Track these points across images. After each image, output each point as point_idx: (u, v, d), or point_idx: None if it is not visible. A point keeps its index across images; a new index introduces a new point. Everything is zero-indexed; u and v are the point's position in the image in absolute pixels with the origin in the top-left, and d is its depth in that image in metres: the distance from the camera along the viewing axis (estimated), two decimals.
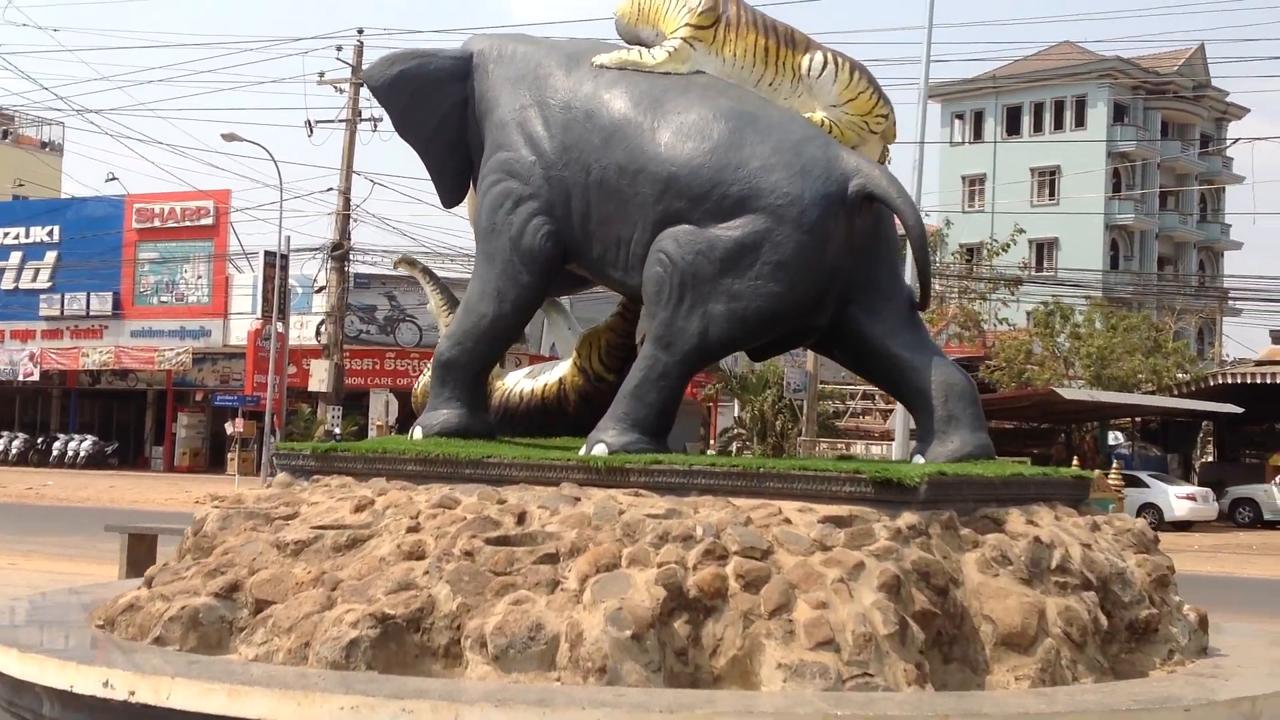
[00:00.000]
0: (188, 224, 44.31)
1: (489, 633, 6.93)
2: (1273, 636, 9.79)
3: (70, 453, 46.70)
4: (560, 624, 6.95)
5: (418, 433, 9.93)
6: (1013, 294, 44.89)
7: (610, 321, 10.36)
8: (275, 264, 39.31)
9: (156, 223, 44.71)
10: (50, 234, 46.46)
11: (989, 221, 58.30)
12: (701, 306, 8.78)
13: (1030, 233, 62.08)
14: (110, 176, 44.44)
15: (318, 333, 40.48)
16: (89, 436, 47.50)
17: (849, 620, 6.95)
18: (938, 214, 60.83)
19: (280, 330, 39.06)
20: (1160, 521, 36.04)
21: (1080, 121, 67.42)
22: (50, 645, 7.78)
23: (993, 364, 45.82)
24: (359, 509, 8.50)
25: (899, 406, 38.96)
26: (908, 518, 7.61)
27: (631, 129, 9.23)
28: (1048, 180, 68.26)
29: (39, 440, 47.91)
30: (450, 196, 10.68)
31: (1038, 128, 68.65)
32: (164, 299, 45.01)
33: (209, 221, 44.12)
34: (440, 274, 12.15)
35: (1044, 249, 66.61)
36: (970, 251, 54.23)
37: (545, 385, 10.56)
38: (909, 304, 9.21)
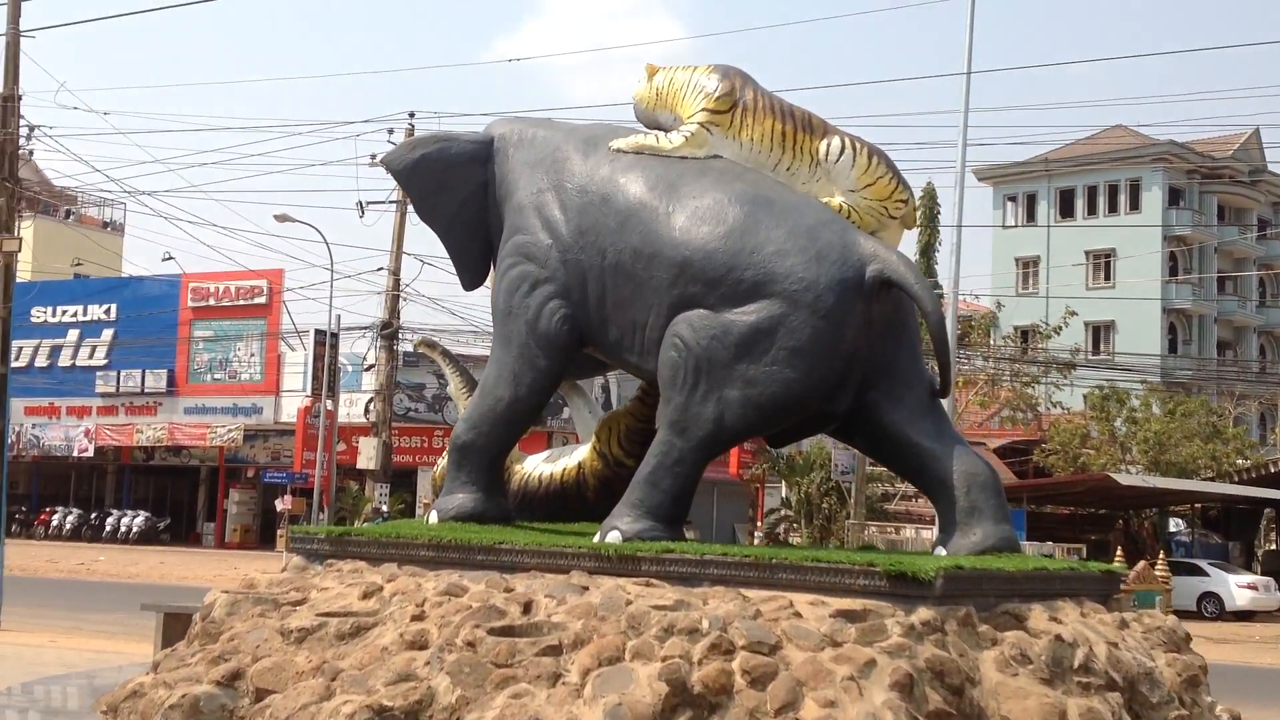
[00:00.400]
0: (242, 302, 44.72)
1: None
2: None
3: (123, 528, 46.93)
4: (561, 718, 6.77)
5: (433, 517, 9.83)
6: (1065, 378, 44.36)
7: (629, 406, 10.24)
8: (325, 342, 39.56)
9: (211, 301, 45.18)
10: (108, 312, 47.05)
11: (1043, 304, 57.85)
12: (717, 392, 8.64)
13: (1086, 315, 61.53)
14: (166, 256, 45.16)
15: (366, 410, 40.55)
16: (142, 512, 47.73)
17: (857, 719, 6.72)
18: (989, 297, 60.55)
19: (330, 408, 39.19)
20: (1221, 611, 35.22)
21: (1135, 205, 66.88)
22: None
23: (1048, 448, 45.18)
24: (366, 595, 8.39)
25: None
26: (923, 613, 7.40)
27: (647, 213, 9.16)
28: (1103, 263, 67.66)
29: (93, 516, 48.17)
30: (470, 279, 10.64)
31: (1091, 210, 68.15)
32: (217, 376, 45.35)
33: (263, 300, 44.53)
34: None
35: (1100, 332, 65.90)
36: (1024, 334, 53.85)
37: (564, 469, 10.43)
38: (930, 391, 9.03)
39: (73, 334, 47.72)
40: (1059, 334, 42.00)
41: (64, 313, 47.95)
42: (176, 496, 50.97)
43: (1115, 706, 7.37)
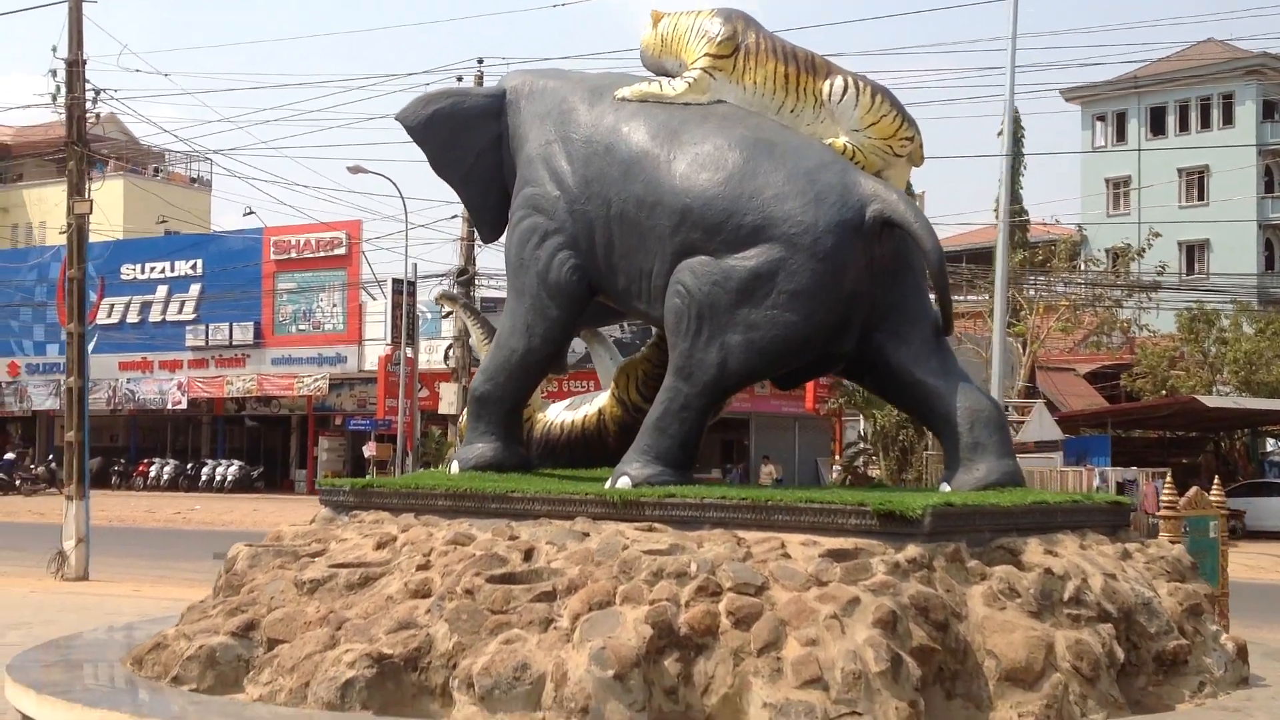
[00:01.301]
0: (322, 254, 45.31)
1: (476, 673, 6.97)
2: None
3: (218, 477, 48.07)
4: (547, 663, 6.96)
5: (454, 467, 10.04)
6: (1149, 300, 43.58)
7: (646, 352, 10.35)
8: (404, 291, 40.06)
9: (293, 254, 45.86)
10: (194, 267, 47.96)
11: (1135, 227, 56.79)
12: (720, 337, 8.72)
13: (1180, 235, 60.37)
14: (248, 211, 45.63)
15: (446, 357, 41.00)
16: (235, 461, 48.84)
17: (839, 657, 6.84)
18: (1075, 220, 59.48)
19: (409, 355, 39.76)
20: None
21: (1228, 120, 65.25)
22: (69, 686, 8.00)
23: (1136, 372, 44.55)
24: (380, 545, 8.63)
25: (1031, 418, 38.23)
26: (911, 550, 7.47)
27: (649, 161, 9.23)
28: (1196, 181, 66.23)
29: (189, 466, 49.40)
30: (489, 232, 10.78)
31: (1183, 127, 66.60)
32: (301, 327, 46.09)
33: (342, 251, 45.09)
34: None
35: (1194, 252, 64.66)
36: (1115, 257, 52.92)
37: (585, 417, 10.58)
38: (935, 329, 9.03)
39: (161, 290, 48.76)
40: (1143, 256, 41.22)
41: (152, 269, 48.99)
42: (269, 445, 52.06)
43: (1106, 638, 7.40)
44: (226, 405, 50.39)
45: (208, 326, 47.65)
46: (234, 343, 47.18)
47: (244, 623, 7.99)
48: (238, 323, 46.99)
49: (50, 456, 49.60)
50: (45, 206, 65.79)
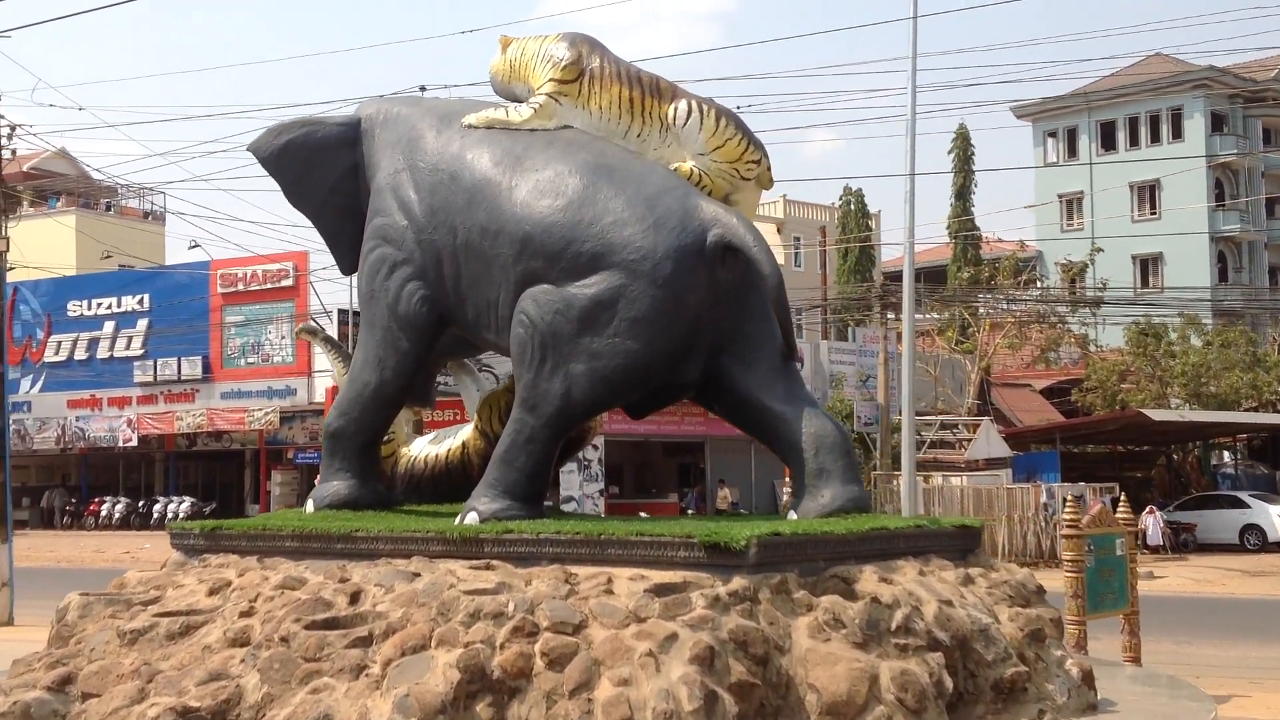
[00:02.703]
0: (269, 286, 45.03)
1: None
2: (1179, 685, 9.19)
3: (170, 514, 47.53)
4: (352, 713, 6.76)
5: (310, 506, 9.85)
6: (1093, 315, 43.66)
7: (508, 383, 10.16)
8: (349, 322, 39.81)
9: (240, 286, 45.51)
10: (141, 302, 47.57)
11: (1089, 241, 56.94)
12: (563, 367, 8.57)
13: (1133, 249, 60.55)
14: (193, 244, 45.32)
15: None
16: (187, 498, 48.30)
17: (651, 697, 6.66)
18: (1028, 238, 59.60)
19: None
20: (1264, 543, 34.69)
21: (1177, 133, 65.53)
22: None
23: (1086, 386, 44.59)
24: (213, 591, 8.42)
25: (978, 436, 38.14)
26: (735, 583, 7.30)
27: (491, 188, 9.09)
28: (1148, 195, 66.49)
29: (140, 504, 48.90)
30: (348, 263, 10.59)
31: (1134, 142, 66.83)
32: (250, 360, 45.73)
33: (289, 283, 44.80)
34: None
35: (1148, 265, 64.85)
36: (1074, 274, 53.00)
37: (449, 450, 10.41)
38: (782, 354, 8.89)
39: (109, 325, 48.33)
40: (1085, 272, 41.28)
41: (99, 305, 48.57)
42: (224, 480, 51.56)
43: (935, 667, 7.23)
44: (178, 441, 49.91)
45: (156, 362, 47.22)
46: (183, 377, 46.75)
47: (61, 676, 7.77)
48: (186, 357, 46.57)
49: None
50: None
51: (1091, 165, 66.45)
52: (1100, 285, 40.41)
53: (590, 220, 8.59)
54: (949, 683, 7.24)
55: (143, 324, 47.71)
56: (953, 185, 58.91)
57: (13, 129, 24.58)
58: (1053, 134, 70.57)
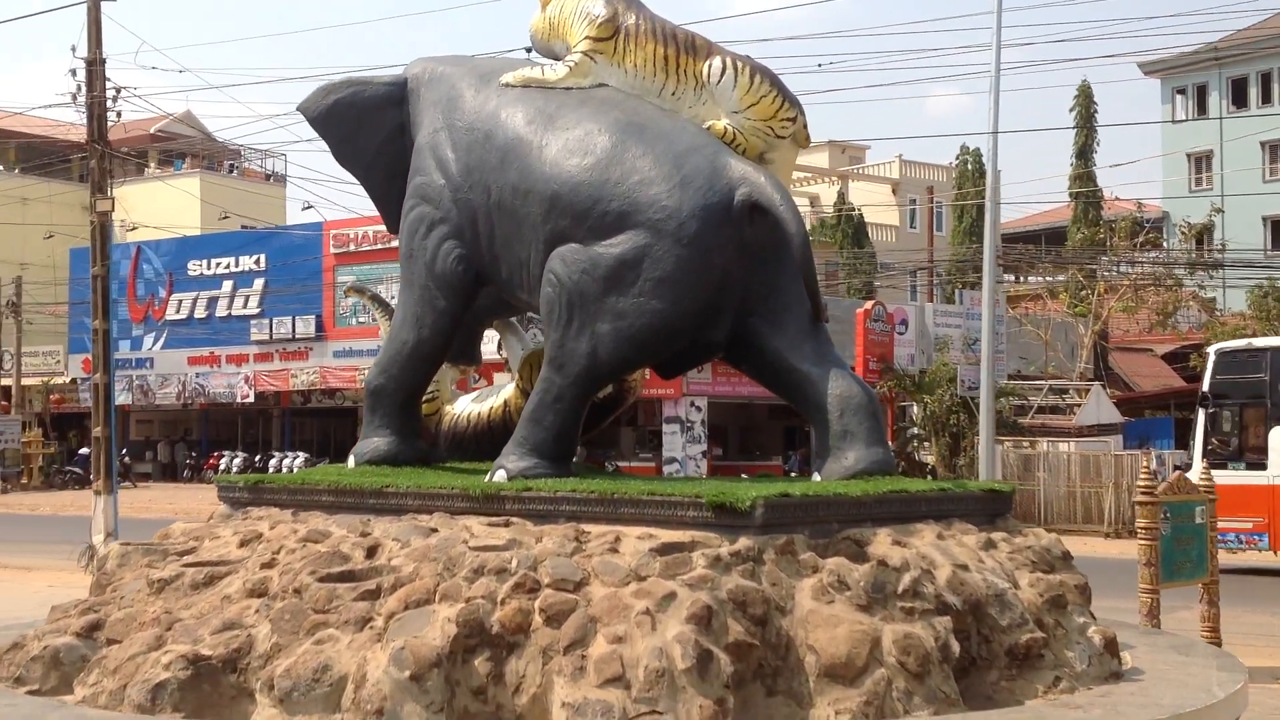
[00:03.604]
0: (380, 246, 45.65)
1: (277, 674, 6.88)
2: (1217, 655, 8.94)
3: (285, 469, 48.65)
4: (351, 664, 6.86)
5: (351, 461, 9.98)
6: (1212, 277, 42.48)
7: None
8: None
9: (352, 247, 46.21)
10: (257, 262, 48.56)
11: (1220, 200, 55.43)
12: (590, 326, 8.57)
13: (1264, 210, 58.75)
14: (306, 205, 46.16)
15: (499, 347, 41.21)
16: (301, 453, 49.32)
17: (644, 655, 6.65)
18: (1158, 198, 58.08)
19: None
20: None
21: None
22: None
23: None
24: (244, 544, 8.59)
25: (1088, 401, 37.40)
26: (743, 542, 7.26)
27: (523, 147, 9.09)
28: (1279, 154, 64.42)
29: (256, 459, 50.10)
30: (394, 223, 10.68)
31: (1265, 99, 64.78)
32: (362, 320, 46.39)
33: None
34: None
35: (1278, 227, 62.93)
36: (1196, 235, 51.62)
37: (491, 409, 10.48)
38: (812, 315, 8.79)
39: (227, 285, 49.43)
40: (1207, 233, 40.17)
41: (218, 265, 49.68)
42: (338, 436, 52.58)
43: (942, 631, 7.11)
44: (293, 398, 50.98)
45: (271, 321, 48.21)
46: (297, 336, 47.68)
47: (91, 623, 7.98)
48: (300, 315, 47.48)
49: (124, 450, 50.72)
50: (128, 204, 67.13)
51: (1221, 122, 64.47)
52: (1219, 247, 39.27)
53: (617, 179, 8.57)
54: (955, 647, 7.13)
55: (259, 283, 48.71)
56: (1074, 143, 57.57)
57: (118, 91, 25.17)
58: (1181, 90, 68.58)
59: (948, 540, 7.84)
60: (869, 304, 37.29)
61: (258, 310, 48.72)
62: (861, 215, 58.36)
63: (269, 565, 7.98)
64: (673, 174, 8.49)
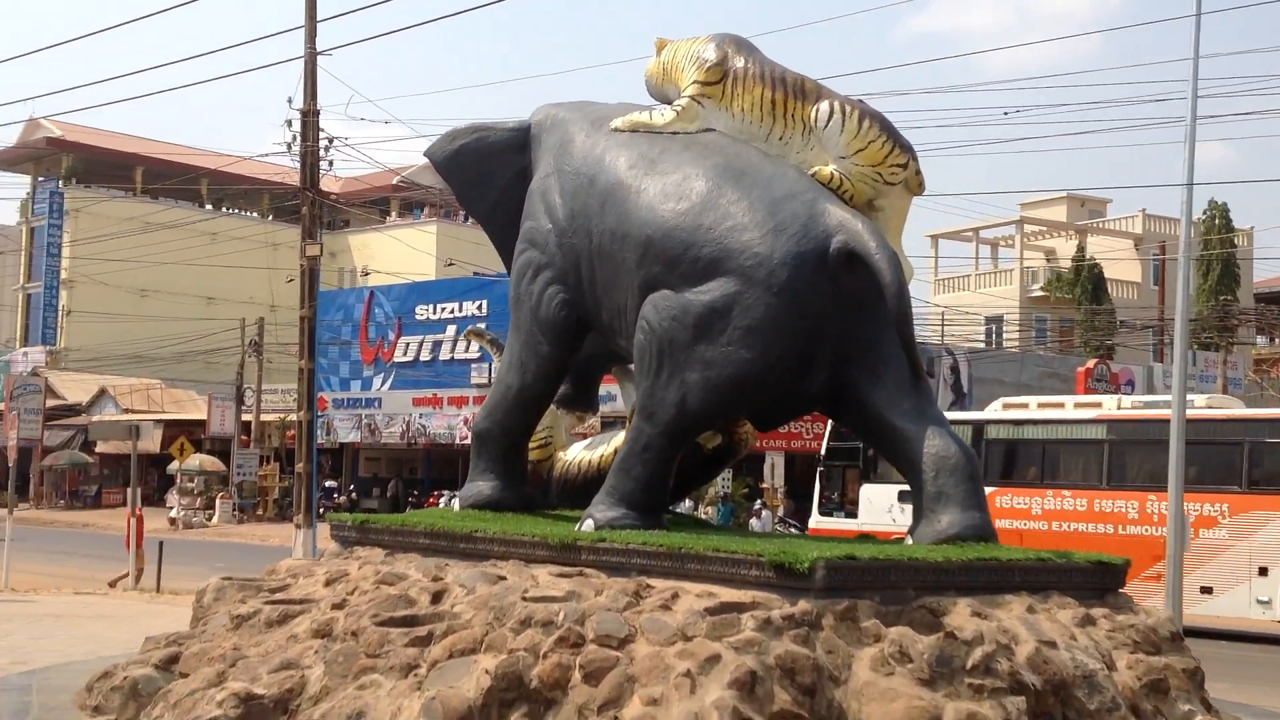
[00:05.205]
0: None
1: (315, 719, 6.80)
2: None
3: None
4: (386, 712, 6.74)
5: (455, 504, 9.93)
6: None
7: None
8: None
9: None
10: (479, 308, 49.59)
11: None
12: (679, 375, 8.33)
13: None
14: (448, 262, 47.08)
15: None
16: None
17: (679, 719, 6.35)
18: None
19: None
20: None
21: None
22: None
23: None
24: (329, 583, 8.60)
25: None
26: (801, 606, 6.88)
27: (621, 192, 8.94)
28: None
29: None
30: None
31: None
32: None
33: None
34: None
35: None
36: None
37: (602, 456, 10.30)
38: (913, 369, 8.36)
39: (450, 329, 50.61)
40: None
41: (443, 309, 50.92)
42: None
43: (1013, 711, 6.58)
44: None
45: (490, 365, 49.09)
46: None
47: (170, 655, 8.10)
48: None
49: (351, 486, 52.28)
50: (368, 251, 69.54)
51: None
52: None
53: (710, 224, 8.33)
54: None
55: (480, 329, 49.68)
56: None
57: (330, 141, 26.02)
58: None
59: (1038, 614, 7.30)
60: (1091, 363, 35.87)
61: (478, 355, 49.65)
62: (1101, 270, 56.39)
63: (339, 606, 7.95)
64: (766, 220, 8.20)
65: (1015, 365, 41.11)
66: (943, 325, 45.85)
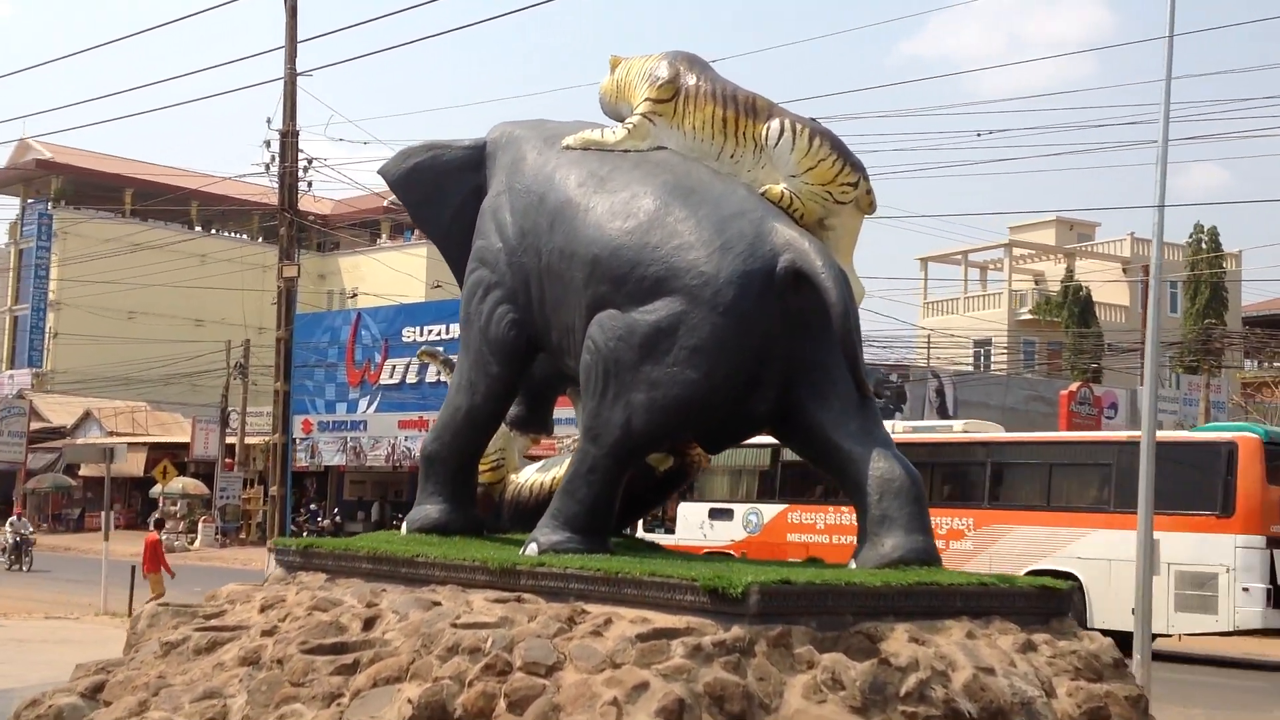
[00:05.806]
0: None
1: None
2: None
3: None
4: None
5: (404, 528, 9.78)
6: None
7: None
8: None
9: None
10: None
11: None
12: (625, 396, 8.18)
13: None
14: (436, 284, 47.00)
15: None
16: None
17: None
18: None
19: None
20: None
21: None
22: None
23: None
24: (264, 609, 8.43)
25: None
26: (734, 632, 6.72)
27: (570, 210, 8.81)
28: None
29: None
30: None
31: None
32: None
33: None
34: None
35: None
36: None
37: (554, 478, 10.13)
38: (862, 389, 8.21)
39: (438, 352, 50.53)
40: None
41: (429, 332, 50.76)
42: None
43: None
44: None
45: None
46: None
47: (96, 684, 7.92)
48: None
49: (335, 509, 52.02)
50: (358, 274, 69.40)
51: None
52: None
53: (657, 243, 8.19)
54: None
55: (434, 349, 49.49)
56: None
57: (309, 162, 25.94)
58: None
59: (978, 640, 7.13)
60: (1074, 386, 35.77)
61: None
62: (1089, 294, 56.39)
63: (269, 633, 7.78)
64: (713, 239, 8.07)
65: (1000, 388, 41.05)
66: (929, 347, 45.79)
